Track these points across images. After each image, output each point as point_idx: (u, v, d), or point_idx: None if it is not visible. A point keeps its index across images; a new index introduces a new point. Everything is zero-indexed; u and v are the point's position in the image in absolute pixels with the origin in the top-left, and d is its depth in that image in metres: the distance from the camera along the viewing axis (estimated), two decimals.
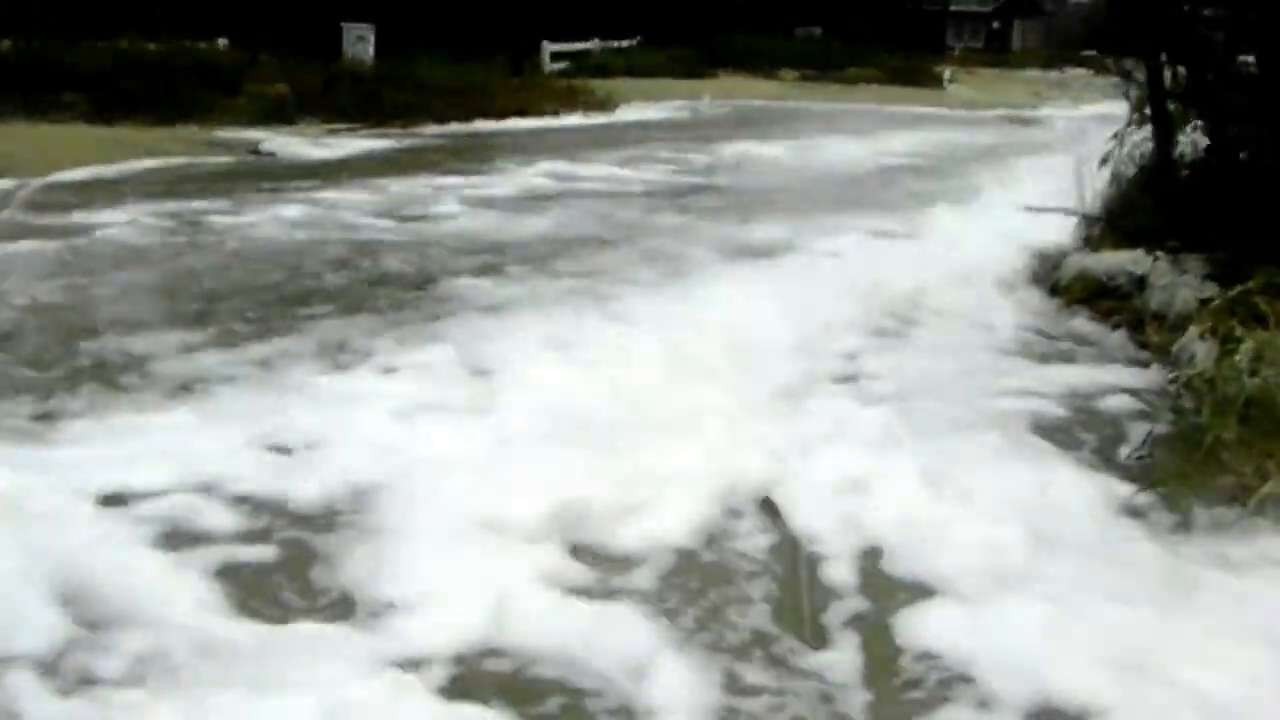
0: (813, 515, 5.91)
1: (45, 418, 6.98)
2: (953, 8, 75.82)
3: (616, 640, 4.63)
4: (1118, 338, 9.88)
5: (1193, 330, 8.47)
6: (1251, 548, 5.81)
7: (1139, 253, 10.32)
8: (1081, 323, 10.28)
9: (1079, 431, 7.76)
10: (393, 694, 4.21)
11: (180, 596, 4.85)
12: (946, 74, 47.01)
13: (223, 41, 29.46)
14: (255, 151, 20.99)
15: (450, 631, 4.64)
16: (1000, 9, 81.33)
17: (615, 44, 43.00)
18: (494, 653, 4.55)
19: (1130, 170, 12.77)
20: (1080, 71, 63.46)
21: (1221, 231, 9.80)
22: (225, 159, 20.02)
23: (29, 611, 4.60)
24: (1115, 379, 8.92)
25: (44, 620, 4.57)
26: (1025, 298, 11.11)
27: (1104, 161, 12.75)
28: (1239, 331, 7.69)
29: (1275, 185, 9.51)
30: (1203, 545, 5.83)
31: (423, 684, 4.31)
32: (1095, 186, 12.95)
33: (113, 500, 5.70)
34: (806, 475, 6.36)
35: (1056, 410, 8.09)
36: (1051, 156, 23.62)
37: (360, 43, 30.85)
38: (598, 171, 19.36)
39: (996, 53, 74.65)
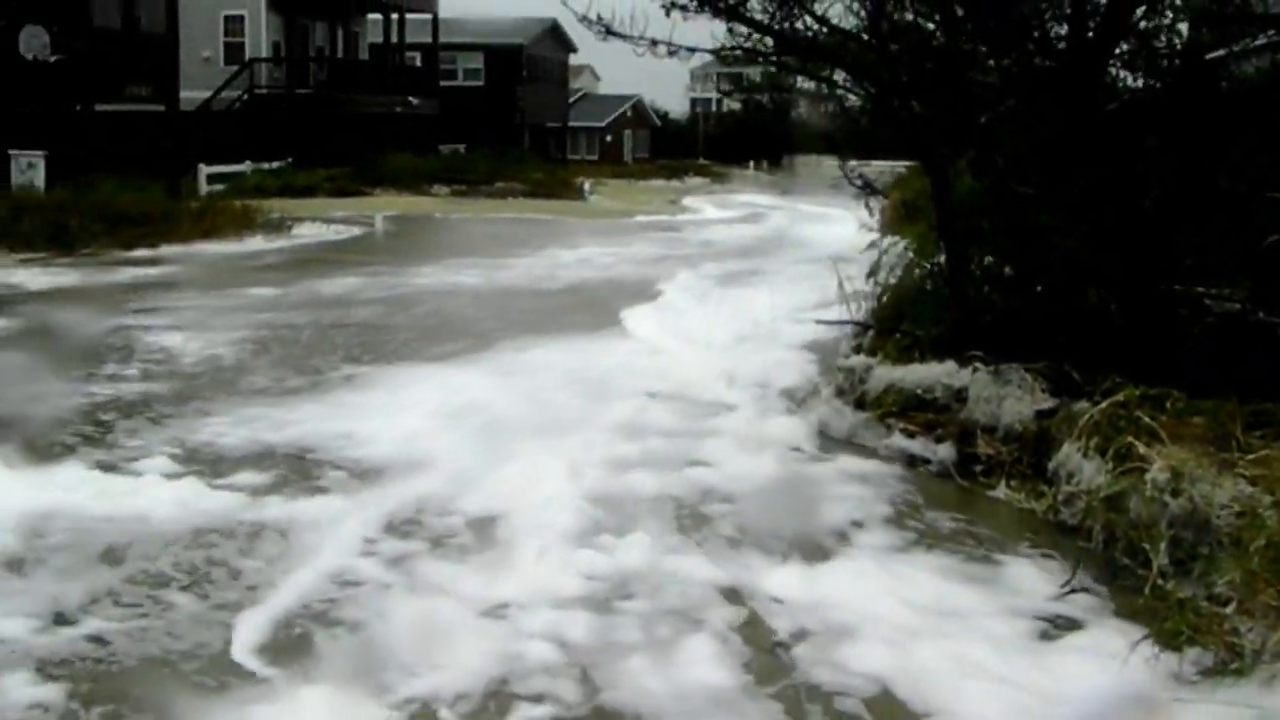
0: None
1: None
2: (571, 123, 76.41)
3: None
4: (945, 451, 9.35)
5: (1068, 447, 7.96)
6: None
7: (951, 364, 9.82)
8: (900, 439, 9.69)
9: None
10: None
11: None
12: (586, 186, 46.93)
13: None
14: None
15: None
16: (612, 123, 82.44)
17: (267, 165, 41.51)
18: None
19: (889, 279, 12.43)
20: (698, 180, 65.01)
21: (1035, 343, 9.40)
22: None
23: None
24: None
25: None
26: (831, 413, 10.48)
27: (872, 273, 12.36)
28: (1142, 449, 7.19)
29: (1106, 300, 9.17)
30: None
31: None
32: (855, 296, 12.57)
33: None
34: None
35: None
36: (729, 261, 23.49)
37: (30, 170, 28.66)
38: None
39: (612, 163, 75.50)
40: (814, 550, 7.42)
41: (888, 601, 6.55)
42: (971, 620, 6.39)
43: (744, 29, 11.01)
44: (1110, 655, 5.81)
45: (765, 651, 6.04)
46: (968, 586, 6.88)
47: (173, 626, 6.15)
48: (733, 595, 6.67)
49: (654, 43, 10.69)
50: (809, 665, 5.87)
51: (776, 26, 10.86)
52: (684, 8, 10.87)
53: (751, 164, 75.94)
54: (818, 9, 10.69)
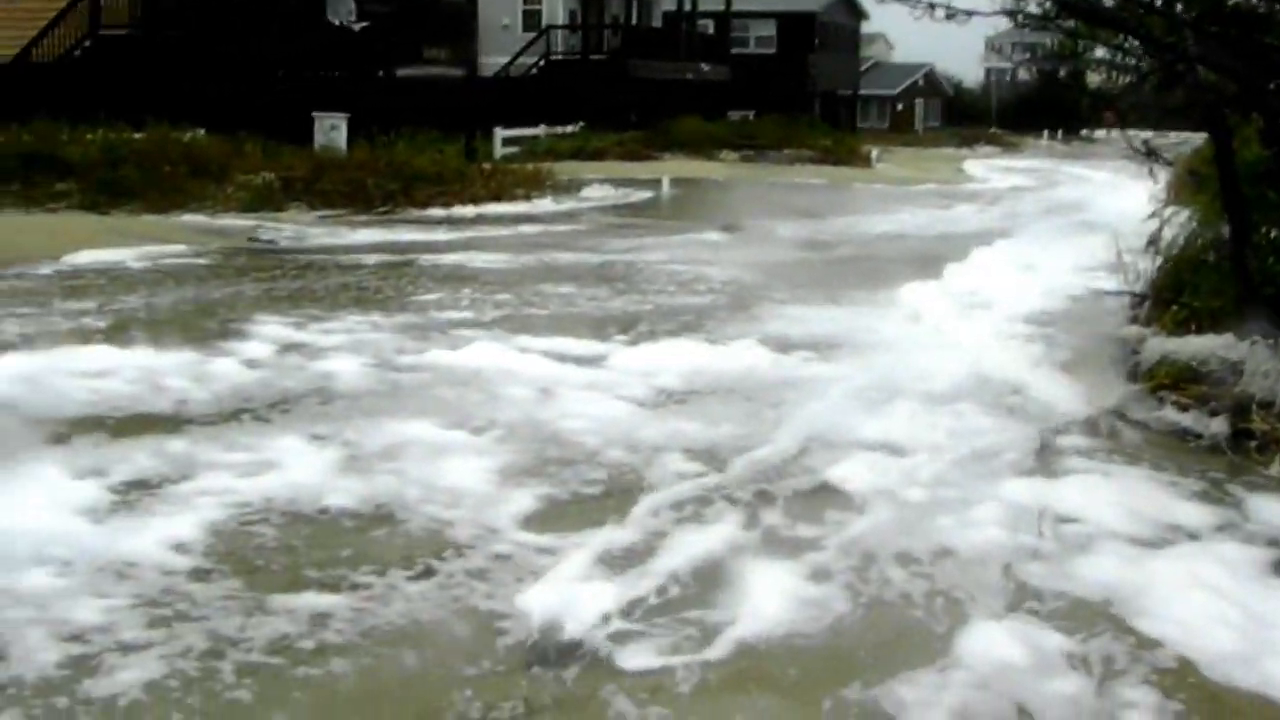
0: None
1: None
2: (861, 92, 75.88)
3: None
4: (1218, 425, 9.04)
5: None
6: None
7: (1228, 338, 9.50)
8: (1172, 412, 9.41)
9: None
10: None
11: None
12: (874, 153, 46.54)
13: (199, 131, 28.27)
14: (253, 238, 19.94)
15: None
16: (903, 92, 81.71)
17: (560, 129, 42.25)
18: None
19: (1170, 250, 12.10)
20: (989, 149, 63.97)
21: None
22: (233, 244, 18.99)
23: None
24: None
25: None
26: (1100, 384, 10.28)
27: (1151, 243, 12.05)
28: None
29: None
30: None
31: None
32: (1135, 265, 12.29)
33: None
34: None
35: None
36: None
37: (333, 131, 29.85)
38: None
39: (902, 131, 74.83)
40: None
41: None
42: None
43: None
44: None
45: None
46: (1235, 543, 6.94)
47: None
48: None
49: (931, 5, 10.51)
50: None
51: None
52: None
53: (1045, 134, 74.35)
54: None
